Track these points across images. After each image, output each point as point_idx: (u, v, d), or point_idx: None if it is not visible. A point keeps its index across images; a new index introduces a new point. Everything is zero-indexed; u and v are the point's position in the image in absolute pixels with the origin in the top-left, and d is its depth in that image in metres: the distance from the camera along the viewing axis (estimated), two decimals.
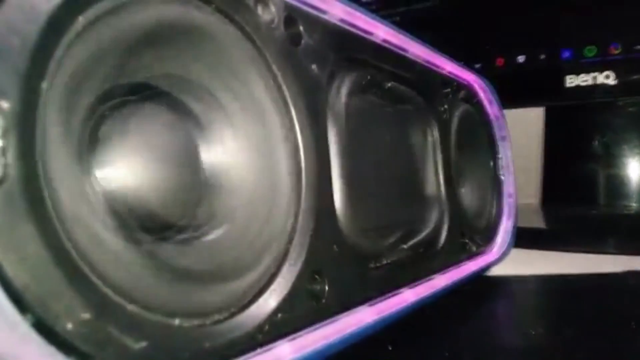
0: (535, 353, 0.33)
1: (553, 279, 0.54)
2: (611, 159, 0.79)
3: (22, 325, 0.14)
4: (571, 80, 0.76)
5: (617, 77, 0.73)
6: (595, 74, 0.75)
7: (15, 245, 0.14)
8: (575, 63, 0.76)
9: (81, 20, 0.17)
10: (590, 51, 0.75)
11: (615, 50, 0.74)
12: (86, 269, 0.16)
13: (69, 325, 0.15)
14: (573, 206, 0.82)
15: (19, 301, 0.14)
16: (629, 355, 0.32)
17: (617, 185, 0.79)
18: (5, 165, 0.14)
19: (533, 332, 0.36)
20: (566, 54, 0.77)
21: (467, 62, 0.50)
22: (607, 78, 0.74)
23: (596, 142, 0.80)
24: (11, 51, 0.15)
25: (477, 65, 0.80)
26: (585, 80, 0.76)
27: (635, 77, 0.73)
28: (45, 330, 0.14)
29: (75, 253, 0.15)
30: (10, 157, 0.14)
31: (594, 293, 0.48)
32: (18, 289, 0.14)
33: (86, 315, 0.15)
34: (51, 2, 0.16)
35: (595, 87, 0.75)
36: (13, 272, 0.14)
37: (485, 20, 0.83)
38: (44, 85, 0.15)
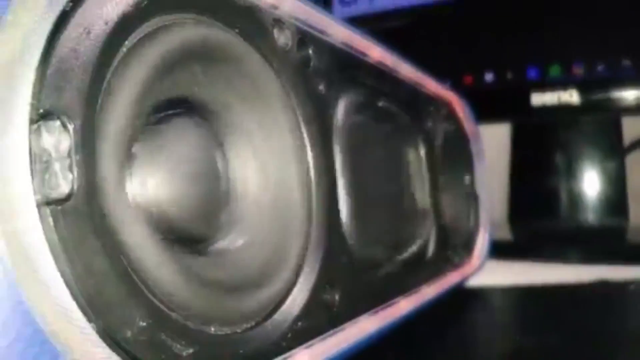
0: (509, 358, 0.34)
1: (525, 289, 0.56)
2: (575, 175, 0.83)
3: (91, 333, 0.14)
4: (537, 99, 0.79)
5: (580, 95, 0.76)
6: (560, 92, 0.77)
7: (83, 259, 0.15)
8: (540, 81, 0.78)
9: (127, 43, 0.18)
10: (554, 70, 0.78)
11: (578, 69, 0.77)
12: (140, 280, 0.16)
13: (129, 333, 0.16)
14: (539, 220, 0.84)
15: (86, 310, 0.15)
16: (601, 355, 0.34)
17: (580, 200, 0.82)
18: (73, 181, 0.15)
19: (511, 339, 0.38)
20: (532, 73, 0.80)
21: (437, 78, 0.52)
22: (570, 96, 0.77)
23: (561, 158, 0.84)
24: (74, 73, 0.15)
25: (447, 82, 0.82)
26: (551, 99, 0.78)
27: (597, 95, 0.76)
28: (110, 337, 0.15)
29: (131, 265, 0.16)
30: (77, 173, 0.15)
31: (563, 300, 0.51)
32: (85, 299, 0.15)
33: (143, 324, 0.16)
34: (107, 26, 0.16)
35: (559, 106, 0.77)
36: (81, 284, 0.15)
37: (454, 38, 0.85)
38: (100, 103, 0.16)
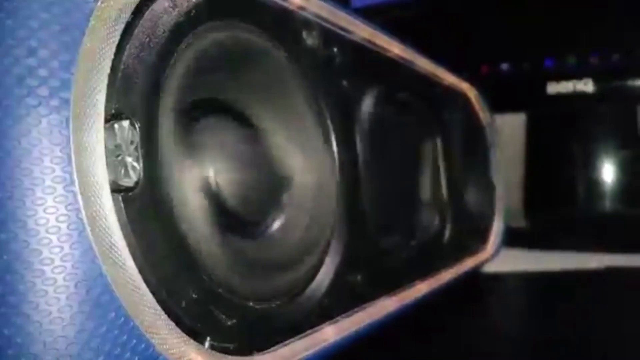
0: (526, 342, 0.36)
1: (538, 275, 0.58)
2: (590, 163, 0.83)
3: (151, 301, 0.17)
4: (552, 88, 0.79)
5: (595, 84, 0.77)
6: (575, 81, 0.78)
7: (147, 238, 0.17)
8: (556, 71, 0.79)
9: (179, 48, 0.20)
10: (570, 59, 0.79)
11: (594, 59, 0.77)
12: (193, 258, 0.19)
13: (183, 303, 0.18)
14: (554, 208, 0.85)
15: (149, 281, 0.17)
16: (612, 343, 0.36)
17: (595, 188, 0.83)
18: (139, 172, 0.17)
19: (524, 323, 0.40)
20: (548, 62, 0.80)
21: (453, 68, 0.54)
22: (586, 86, 0.77)
23: (576, 147, 0.84)
24: (137, 77, 0.18)
25: (463, 72, 0.83)
26: (566, 88, 0.78)
27: (612, 85, 0.77)
28: (167, 305, 0.17)
29: (186, 245, 0.19)
30: (143, 165, 0.17)
31: (577, 287, 0.52)
32: (148, 272, 0.17)
33: (195, 296, 0.18)
34: (164, 36, 0.19)
35: (575, 94, 0.78)
36: (145, 259, 0.17)
37: (471, 28, 0.85)
38: (159, 102, 0.19)
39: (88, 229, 0.16)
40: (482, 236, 0.56)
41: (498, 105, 0.65)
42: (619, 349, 0.34)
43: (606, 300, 0.46)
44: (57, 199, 0.15)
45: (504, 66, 0.83)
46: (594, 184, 0.82)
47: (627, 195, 0.82)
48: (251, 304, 0.22)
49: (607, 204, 0.82)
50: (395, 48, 0.39)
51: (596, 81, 0.76)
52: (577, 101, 0.78)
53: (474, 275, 0.52)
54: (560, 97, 0.78)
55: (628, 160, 0.82)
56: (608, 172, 0.82)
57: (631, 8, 0.75)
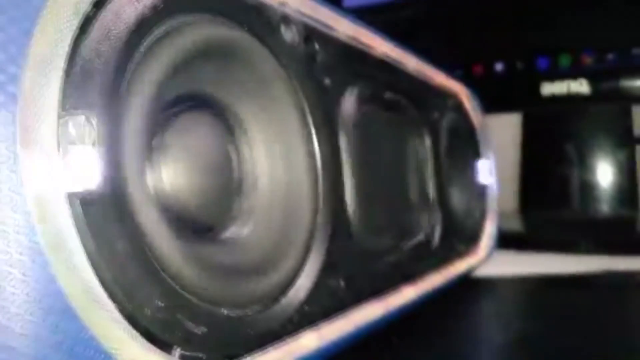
0: (520, 346, 0.35)
1: (533, 279, 0.57)
2: (585, 164, 0.83)
3: (113, 310, 0.16)
4: (547, 88, 0.79)
5: (590, 85, 0.76)
6: (570, 82, 0.77)
7: (107, 243, 0.16)
8: (550, 71, 0.79)
9: (145, 42, 0.19)
10: (564, 59, 0.78)
11: (588, 59, 0.77)
12: (157, 264, 0.18)
13: (148, 312, 0.17)
14: (550, 210, 0.85)
15: (109, 289, 0.16)
16: (609, 347, 0.35)
17: (591, 189, 0.82)
18: (97, 172, 0.16)
19: (518, 327, 0.39)
20: (542, 62, 0.80)
21: (447, 68, 0.53)
22: (580, 86, 0.77)
23: (571, 148, 0.84)
24: (96, 72, 0.17)
25: (457, 72, 0.82)
26: (560, 88, 0.78)
27: (607, 85, 0.76)
28: (130, 314, 0.16)
29: (149, 250, 0.17)
30: (100, 164, 0.16)
31: (572, 291, 0.51)
32: (109, 280, 0.16)
33: (160, 304, 0.17)
34: (127, 29, 0.18)
35: (569, 95, 0.77)
36: (105, 266, 0.16)
37: (464, 28, 0.85)
38: (121, 99, 0.18)
39: (39, 232, 0.15)
40: (473, 239, 0.55)
41: (492, 105, 0.64)
42: (617, 353, 0.33)
43: (603, 304, 0.45)
44: (2, 201, 0.14)
45: (498, 66, 0.83)
46: (589, 185, 0.82)
47: (623, 197, 0.81)
48: (224, 311, 0.21)
49: (603, 206, 0.81)
50: (382, 46, 0.38)
51: (591, 81, 0.76)
52: (572, 101, 0.77)
53: (466, 279, 0.51)
54: (554, 98, 0.78)
55: (624, 161, 0.81)
56: (604, 173, 0.82)
57: (625, 7, 0.74)
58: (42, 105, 0.15)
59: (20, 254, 0.14)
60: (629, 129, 0.82)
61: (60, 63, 0.16)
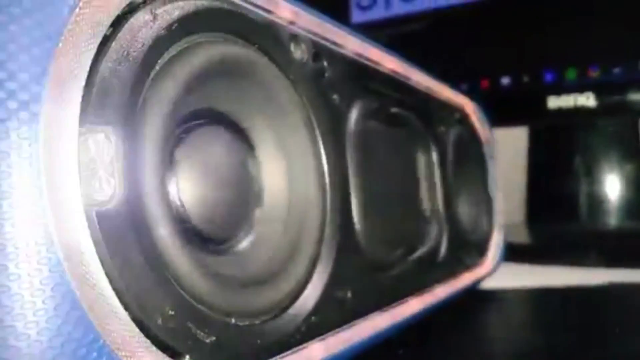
0: (527, 359, 0.36)
1: (540, 291, 0.57)
2: (592, 177, 0.83)
3: (125, 319, 0.17)
4: (553, 102, 0.79)
5: (597, 98, 0.76)
6: (576, 95, 0.77)
7: (122, 254, 0.17)
8: (557, 85, 0.79)
9: (160, 61, 0.20)
10: (570, 73, 0.78)
11: (594, 73, 0.77)
12: (170, 275, 0.19)
13: (159, 320, 0.18)
14: (556, 223, 0.85)
15: (123, 299, 0.17)
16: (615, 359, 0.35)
17: (597, 202, 0.82)
18: (115, 186, 0.17)
19: (525, 339, 0.39)
20: (548, 76, 0.80)
21: (453, 82, 0.54)
22: (587, 100, 0.77)
23: (578, 161, 0.84)
24: (114, 90, 0.17)
25: (463, 86, 0.83)
26: (567, 102, 0.78)
27: (613, 98, 0.76)
28: (142, 323, 0.17)
29: (163, 261, 0.18)
30: (118, 179, 0.17)
31: (579, 303, 0.51)
32: (122, 289, 0.17)
33: (171, 312, 0.18)
34: (143, 49, 0.19)
35: (576, 108, 0.78)
36: (119, 276, 0.17)
37: (471, 42, 0.85)
38: (138, 116, 0.18)
39: (57, 243, 0.15)
40: (480, 251, 0.56)
41: (498, 119, 0.64)
42: None
43: (609, 316, 0.46)
44: (25, 213, 0.15)
45: (505, 80, 0.83)
46: (596, 198, 0.82)
47: (630, 210, 0.81)
48: (233, 320, 0.21)
49: (610, 219, 0.82)
50: (389, 62, 0.39)
51: (597, 95, 0.76)
52: (578, 115, 0.77)
53: (473, 291, 0.52)
54: (561, 111, 0.78)
55: (630, 174, 0.82)
56: (611, 186, 0.82)
57: (632, 21, 0.75)
58: (63, 123, 0.16)
59: (39, 262, 0.15)
60: (635, 142, 0.83)
61: (80, 82, 0.16)
